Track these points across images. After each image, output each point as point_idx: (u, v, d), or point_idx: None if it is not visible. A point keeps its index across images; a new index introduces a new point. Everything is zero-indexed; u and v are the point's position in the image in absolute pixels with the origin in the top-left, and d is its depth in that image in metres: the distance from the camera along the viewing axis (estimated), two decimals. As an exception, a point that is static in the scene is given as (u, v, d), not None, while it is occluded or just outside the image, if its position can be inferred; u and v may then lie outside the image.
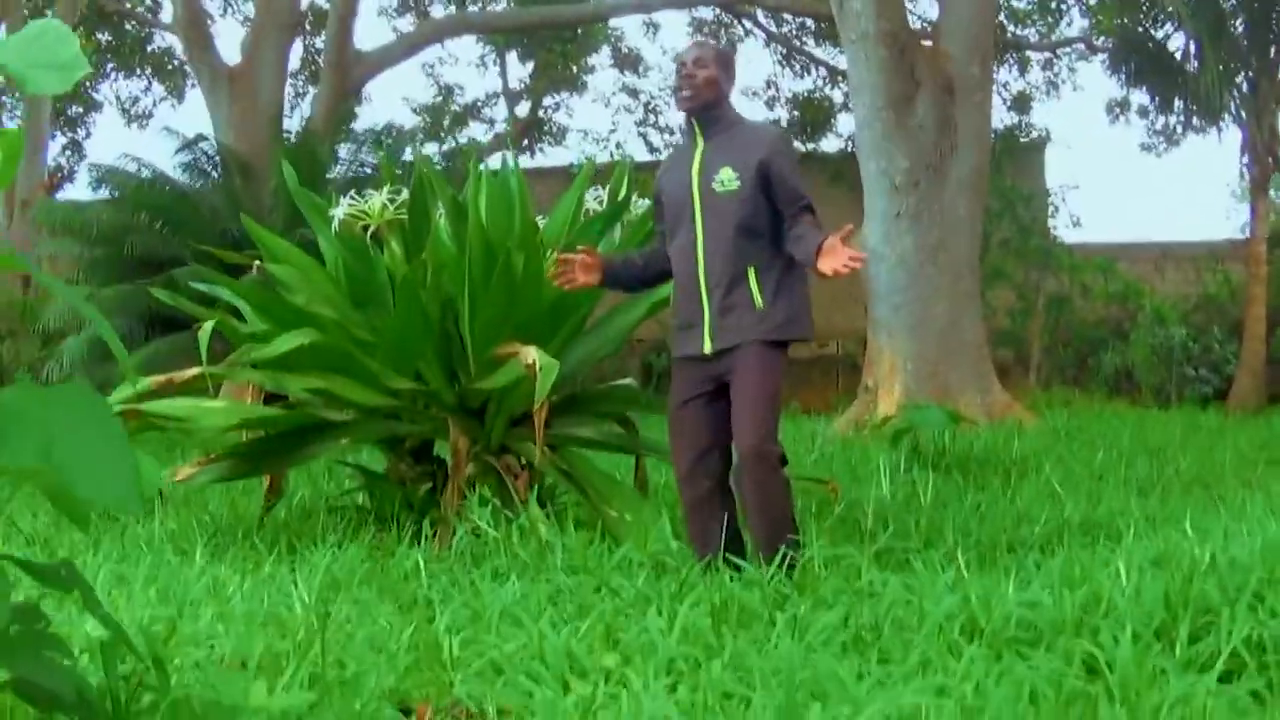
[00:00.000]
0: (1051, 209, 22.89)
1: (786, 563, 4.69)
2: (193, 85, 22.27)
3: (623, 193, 6.74)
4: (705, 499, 5.17)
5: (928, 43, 15.47)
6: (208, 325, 6.11)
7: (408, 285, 5.95)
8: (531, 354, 5.63)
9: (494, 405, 6.40)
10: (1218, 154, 70.27)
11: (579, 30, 24.92)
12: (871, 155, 14.27)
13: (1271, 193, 21.70)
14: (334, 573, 5.21)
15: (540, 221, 6.80)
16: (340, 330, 6.28)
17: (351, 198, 6.19)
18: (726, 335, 5.08)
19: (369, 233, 6.37)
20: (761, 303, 5.07)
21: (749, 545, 5.11)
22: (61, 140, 29.58)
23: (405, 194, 6.34)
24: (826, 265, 4.80)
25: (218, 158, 17.39)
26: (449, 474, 6.38)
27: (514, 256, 5.76)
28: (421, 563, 5.28)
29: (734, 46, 25.59)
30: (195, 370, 6.39)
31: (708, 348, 5.11)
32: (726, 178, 5.12)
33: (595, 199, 6.85)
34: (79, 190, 25.50)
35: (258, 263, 6.73)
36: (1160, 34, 21.89)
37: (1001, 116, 24.32)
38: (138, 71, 29.97)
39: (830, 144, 24.03)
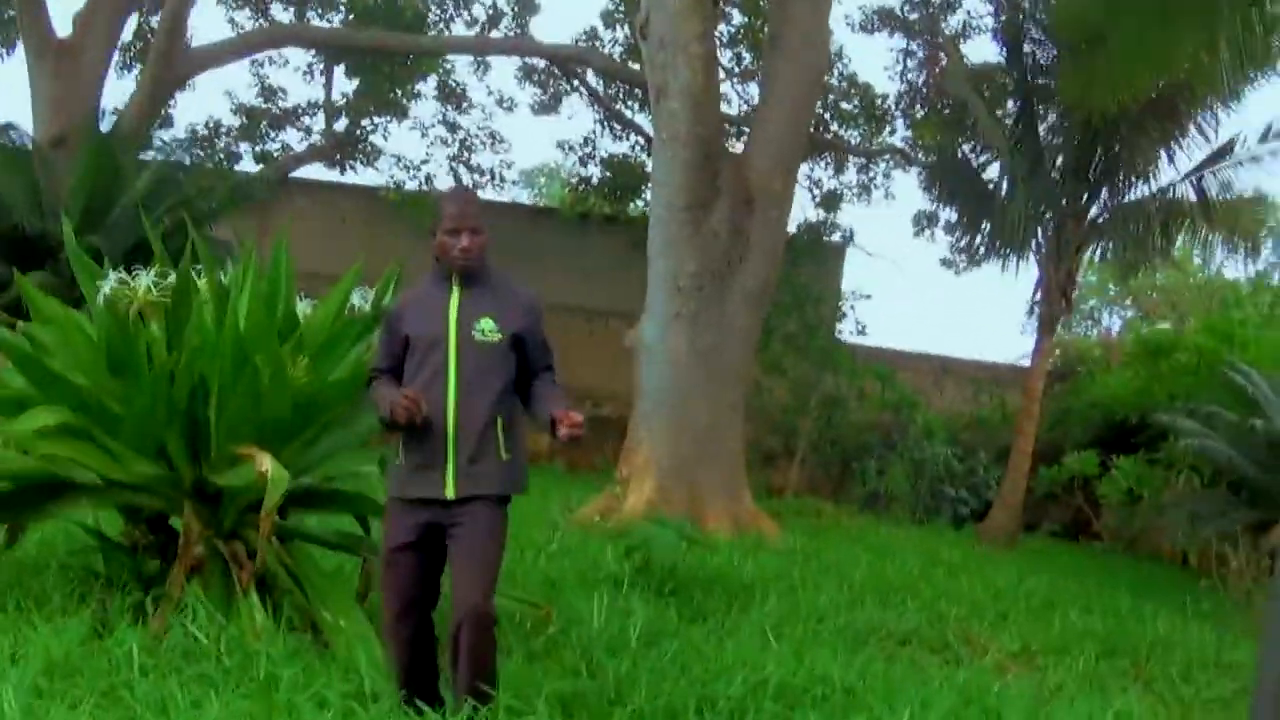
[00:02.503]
0: (841, 313, 23.50)
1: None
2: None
3: (388, 297, 6.85)
4: (411, 640, 5.20)
5: (736, 150, 15.75)
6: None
7: (158, 374, 6.04)
8: (266, 461, 5.73)
9: (229, 494, 6.47)
10: (1012, 283, 72.28)
11: (410, 56, 24.93)
12: (661, 253, 14.43)
13: (1059, 330, 22.14)
14: (52, 654, 5.28)
15: (304, 309, 6.90)
16: (93, 400, 6.32)
17: (120, 277, 6.23)
18: (471, 483, 5.10)
19: (134, 308, 6.43)
20: (505, 455, 5.15)
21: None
22: None
23: (172, 277, 6.40)
24: (564, 433, 5.01)
25: (26, 146, 17.18)
26: (179, 552, 6.44)
27: (261, 365, 5.87)
28: (135, 651, 5.38)
29: (560, 99, 26.04)
30: (-67, 422, 6.38)
31: (450, 493, 5.09)
32: (488, 328, 5.17)
33: (362, 298, 6.97)
34: None
35: (21, 324, 6.73)
36: (978, 160, 22.37)
37: (808, 212, 25.12)
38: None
39: (637, 209, 24.26)
